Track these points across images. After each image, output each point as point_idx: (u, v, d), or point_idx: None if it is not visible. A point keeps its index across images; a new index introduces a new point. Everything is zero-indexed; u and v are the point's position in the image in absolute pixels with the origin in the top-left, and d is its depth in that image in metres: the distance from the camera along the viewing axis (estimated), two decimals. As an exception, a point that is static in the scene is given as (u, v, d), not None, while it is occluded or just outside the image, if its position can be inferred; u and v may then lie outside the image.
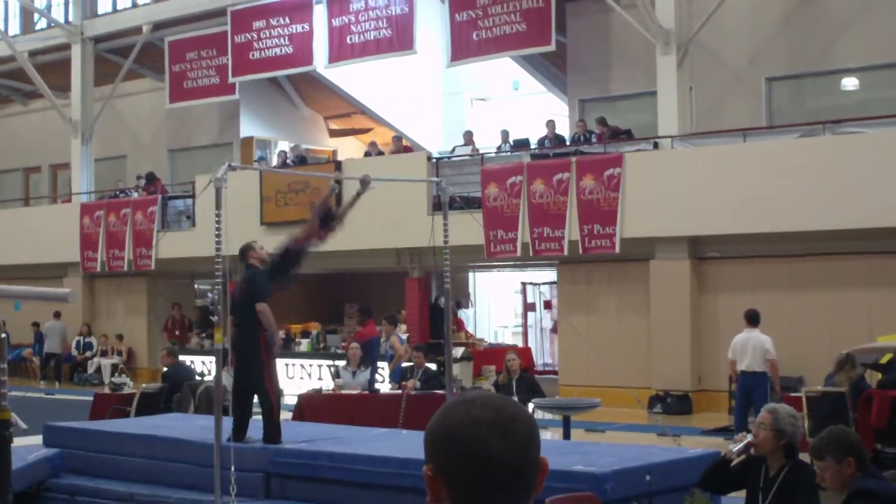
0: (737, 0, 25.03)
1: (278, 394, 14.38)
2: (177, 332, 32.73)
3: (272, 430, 13.84)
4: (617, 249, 23.66)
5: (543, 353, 31.73)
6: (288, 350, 28.29)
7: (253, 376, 13.96)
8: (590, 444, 15.51)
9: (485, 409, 2.80)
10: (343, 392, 19.82)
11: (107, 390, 23.27)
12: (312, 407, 19.35)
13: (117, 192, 34.91)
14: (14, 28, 39.37)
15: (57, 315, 34.51)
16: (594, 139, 26.38)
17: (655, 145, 24.53)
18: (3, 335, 7.33)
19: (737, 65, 26.37)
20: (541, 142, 27.61)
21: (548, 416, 18.83)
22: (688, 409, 23.00)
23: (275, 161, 32.75)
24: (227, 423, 13.61)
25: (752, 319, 18.23)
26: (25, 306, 31.81)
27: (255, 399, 14.06)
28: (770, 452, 8.10)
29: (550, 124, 27.89)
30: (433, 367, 20.64)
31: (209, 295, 18.20)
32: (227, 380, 15.43)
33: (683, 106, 24.38)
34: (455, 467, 2.79)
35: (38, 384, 33.37)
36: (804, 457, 8.10)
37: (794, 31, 25.71)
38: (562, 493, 9.40)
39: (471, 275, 33.40)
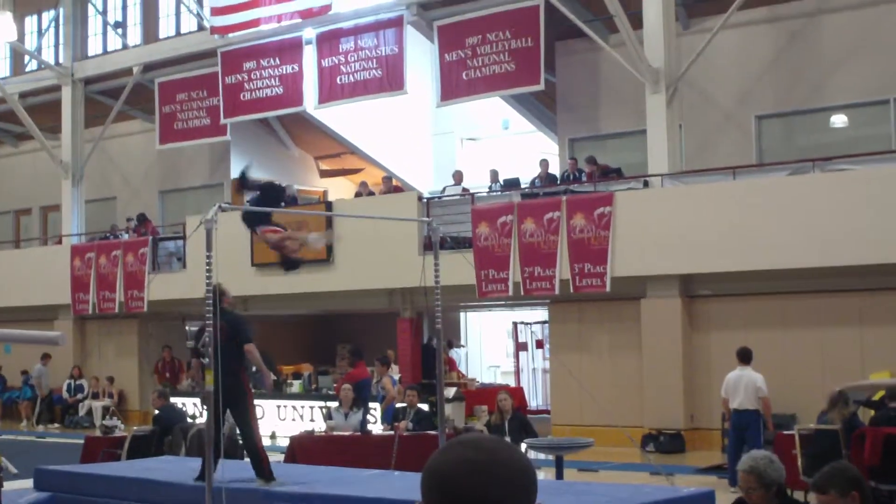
0: (726, 39, 25.14)
1: (259, 431, 14.60)
2: (167, 375, 32.64)
3: (265, 465, 13.96)
4: (608, 288, 23.64)
5: (536, 394, 31.67)
6: (279, 392, 28.20)
7: (239, 418, 14.06)
8: (583, 484, 15.49)
9: (477, 450, 2.77)
10: (335, 433, 19.77)
11: (98, 433, 23.15)
12: (305, 449, 19.31)
13: (108, 235, 34.87)
14: (4, 70, 39.47)
15: (43, 358, 34.37)
16: (584, 178, 26.41)
17: (646, 184, 24.56)
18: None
19: (726, 103, 26.47)
20: (534, 181, 27.61)
21: (541, 455, 18.77)
22: (681, 448, 22.94)
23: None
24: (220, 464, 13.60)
25: (745, 357, 18.22)
26: (16, 349, 31.72)
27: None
28: (766, 503, 8.04)
29: (544, 163, 27.92)
30: (425, 407, 20.58)
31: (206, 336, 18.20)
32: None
33: (673, 144, 24.43)
34: None
35: (34, 427, 33.28)
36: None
37: (782, 69, 25.82)
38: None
39: (462, 314, 33.38)
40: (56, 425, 33.34)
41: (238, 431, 14.88)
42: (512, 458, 2.79)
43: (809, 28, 25.63)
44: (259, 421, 15.11)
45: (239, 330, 14.07)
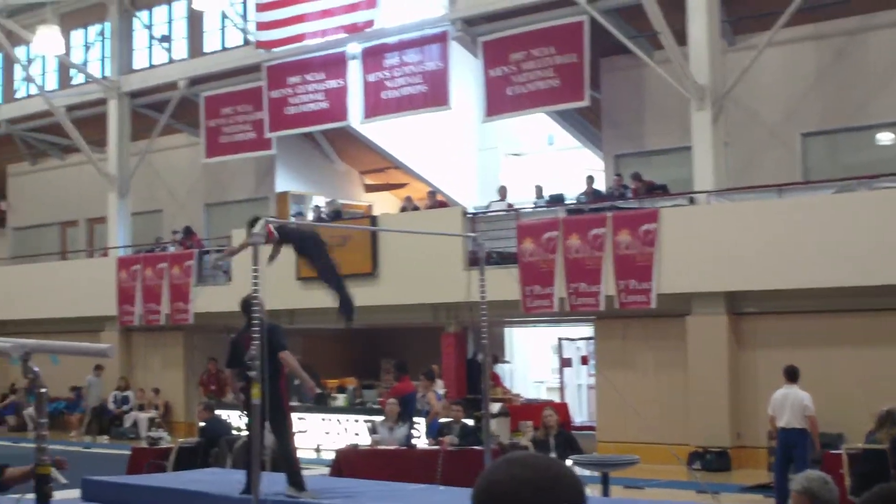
0: (771, 56, 25.10)
1: (294, 440, 14.94)
2: (212, 387, 32.72)
3: (299, 475, 14.13)
4: (653, 305, 23.59)
5: (581, 410, 31.59)
6: (324, 405, 28.26)
7: (276, 427, 14.20)
8: (629, 502, 15.48)
9: (526, 468, 2.80)
10: (380, 447, 19.83)
11: (144, 444, 23.28)
12: (350, 462, 19.38)
13: (154, 247, 35.08)
14: (52, 83, 39.72)
15: (96, 370, 34.53)
16: (629, 194, 26.38)
17: (691, 200, 24.52)
18: (43, 390, 7.37)
19: (772, 120, 26.39)
20: (580, 197, 27.58)
21: (586, 472, 18.76)
22: (726, 466, 22.81)
23: (310, 216, 32.79)
24: (265, 477, 13.66)
25: (792, 375, 18.12)
26: (65, 362, 31.81)
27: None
28: None
29: (590, 179, 27.86)
30: (470, 422, 20.61)
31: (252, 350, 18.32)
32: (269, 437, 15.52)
33: (719, 161, 24.35)
34: None
35: (82, 438, 33.44)
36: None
37: (828, 86, 25.74)
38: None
39: (506, 330, 33.37)
40: (105, 437, 33.48)
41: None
42: (564, 475, 2.83)
43: (855, 45, 25.55)
44: (303, 434, 15.27)
45: (272, 338, 14.13)
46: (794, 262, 21.98)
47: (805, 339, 22.40)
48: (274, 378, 13.93)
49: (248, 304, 14.19)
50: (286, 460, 14.46)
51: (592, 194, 27.52)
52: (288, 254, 28.53)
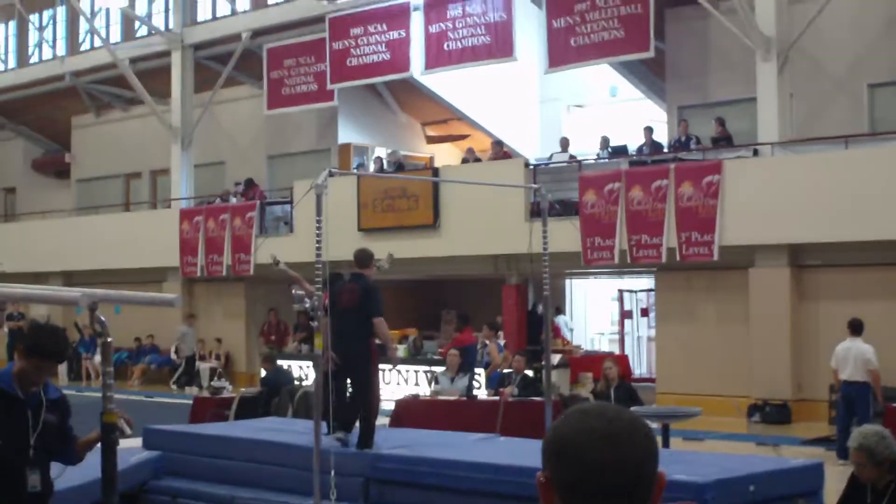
0: (839, 6, 24.72)
1: (378, 402, 14.65)
2: (272, 337, 32.86)
3: (369, 435, 13.97)
4: (715, 257, 23.45)
5: (640, 362, 31.50)
6: (384, 356, 28.30)
7: (360, 385, 14.15)
8: (690, 453, 15.39)
9: (600, 419, 2.78)
10: (441, 398, 19.85)
11: (206, 394, 23.42)
12: (410, 412, 19.42)
13: (219, 198, 35.15)
14: (115, 35, 39.87)
15: (188, 319, 34.70)
16: (693, 144, 26.17)
17: (755, 152, 24.31)
18: (110, 339, 7.39)
19: (838, 71, 26.05)
20: (639, 149, 27.39)
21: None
22: (787, 419, 22.73)
23: (371, 167, 32.83)
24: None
25: (856, 328, 17.99)
26: (127, 312, 31.91)
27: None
28: (879, 478, 7.96)
29: (648, 131, 27.66)
30: (530, 373, 20.59)
31: (307, 301, 18.35)
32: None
33: (784, 113, 24.11)
34: (567, 476, 2.77)
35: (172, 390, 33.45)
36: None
37: (896, 36, 25.38)
38: (663, 503, 9.30)
39: (567, 281, 33.30)
40: (196, 388, 32.93)
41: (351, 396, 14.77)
42: (639, 424, 2.82)
43: (925, -5, 25.19)
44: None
45: (370, 301, 14.15)
46: (859, 215, 21.77)
47: (868, 292, 22.21)
48: (364, 337, 14.01)
49: (366, 259, 14.45)
50: (365, 418, 14.28)
51: (652, 145, 27.34)
52: (351, 204, 28.71)
